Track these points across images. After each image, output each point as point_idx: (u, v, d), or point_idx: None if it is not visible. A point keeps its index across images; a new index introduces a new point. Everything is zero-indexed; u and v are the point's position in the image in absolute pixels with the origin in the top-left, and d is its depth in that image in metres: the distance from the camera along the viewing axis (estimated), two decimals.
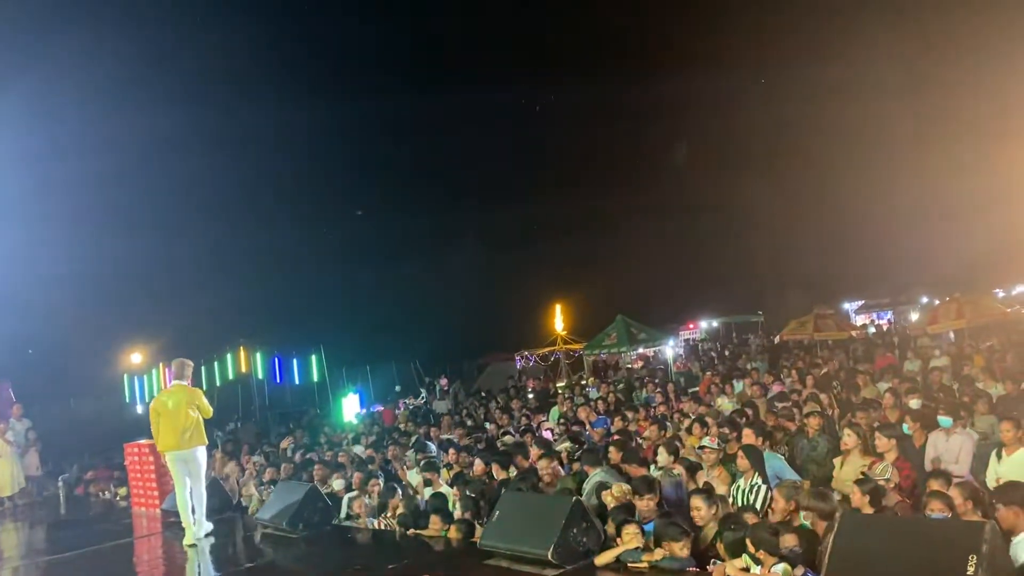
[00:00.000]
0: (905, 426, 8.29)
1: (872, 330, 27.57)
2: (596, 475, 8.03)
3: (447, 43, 40.93)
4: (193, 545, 8.77)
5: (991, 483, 6.96)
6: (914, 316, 28.87)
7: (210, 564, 8.46)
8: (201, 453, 8.92)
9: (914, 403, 9.18)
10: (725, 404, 12.78)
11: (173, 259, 32.26)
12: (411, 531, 7.75)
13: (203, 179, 32.30)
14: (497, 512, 6.70)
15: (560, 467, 8.46)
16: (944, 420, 8.03)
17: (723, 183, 40.25)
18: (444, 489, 8.89)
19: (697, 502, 6.12)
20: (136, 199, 30.02)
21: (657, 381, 17.36)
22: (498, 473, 8.77)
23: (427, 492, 9.05)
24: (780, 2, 38.00)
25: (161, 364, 29.19)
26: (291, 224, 37.21)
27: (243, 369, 29.10)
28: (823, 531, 5.31)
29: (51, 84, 24.86)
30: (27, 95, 22.77)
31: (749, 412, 10.54)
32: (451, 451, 10.80)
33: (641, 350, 24.99)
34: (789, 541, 5.21)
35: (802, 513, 5.55)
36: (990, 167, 28.61)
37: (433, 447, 12.18)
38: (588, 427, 12.07)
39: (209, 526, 9.13)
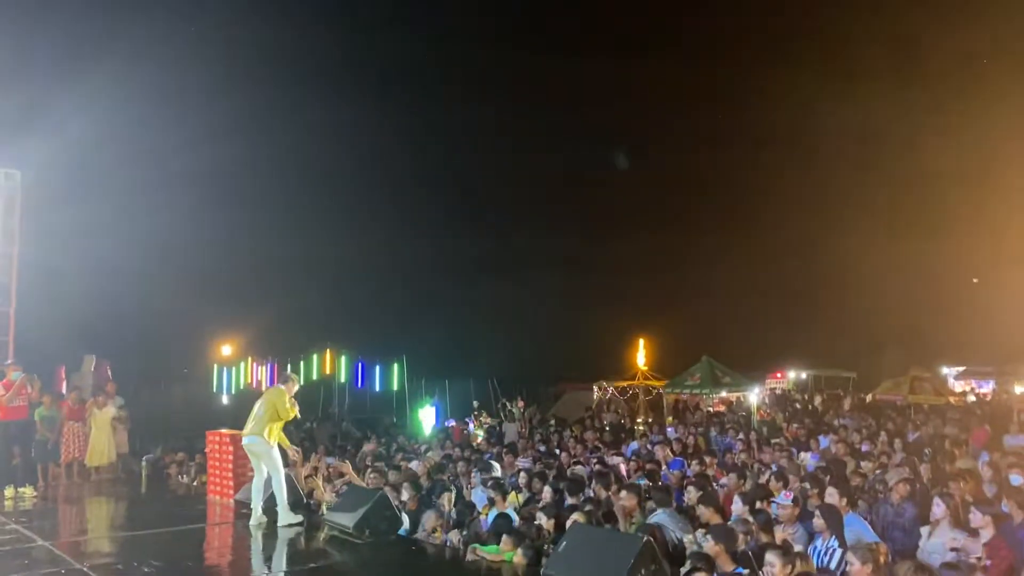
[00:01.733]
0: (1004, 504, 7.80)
1: (972, 398, 26.20)
2: (657, 515, 7.84)
3: (550, 61, 41.24)
4: (254, 526, 9.29)
5: None
6: (1019, 388, 27.34)
7: (272, 559, 8.58)
8: (259, 445, 9.37)
9: (1015, 479, 8.65)
10: (807, 459, 12.34)
11: (271, 259, 33.31)
12: (475, 548, 7.66)
13: (310, 181, 33.28)
14: (564, 542, 6.58)
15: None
16: None
17: (824, 234, 39.24)
18: (509, 511, 8.81)
19: (772, 558, 5.86)
20: (243, 194, 31.09)
21: (739, 427, 16.89)
22: (570, 500, 8.67)
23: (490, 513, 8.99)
24: (879, 49, 36.94)
25: (250, 358, 30.14)
26: (384, 235, 37.97)
27: (327, 371, 29.76)
28: None
29: (160, 62, 25.82)
30: (132, 67, 23.58)
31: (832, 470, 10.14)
32: (522, 475, 10.71)
33: (724, 394, 24.39)
34: None
35: None
36: None
37: (498, 468, 12.05)
38: (665, 467, 11.80)
39: (292, 518, 9.38)
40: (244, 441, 9.55)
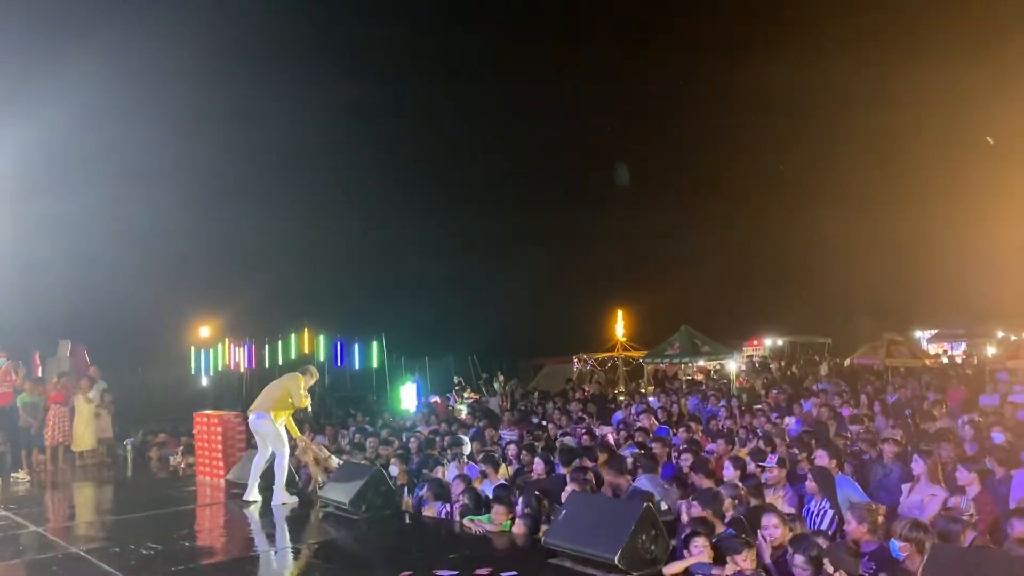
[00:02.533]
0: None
1: (945, 360, 26.73)
2: (639, 481, 7.95)
3: (521, 41, 40.97)
4: (246, 503, 9.48)
5: None
6: (990, 350, 27.94)
7: (270, 536, 8.61)
8: (264, 425, 9.45)
9: (997, 436, 8.86)
10: (791, 424, 12.54)
11: (245, 238, 32.99)
12: (471, 519, 7.72)
13: (285, 158, 32.93)
14: (564, 511, 6.65)
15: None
16: None
17: (798, 202, 39.61)
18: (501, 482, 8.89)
19: (771, 520, 5.96)
20: (216, 173, 30.69)
21: (721, 394, 17.09)
22: (561, 470, 8.76)
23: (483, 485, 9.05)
24: (858, 28, 37.21)
25: (227, 339, 29.90)
26: (360, 213, 37.70)
27: (305, 350, 29.59)
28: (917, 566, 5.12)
29: (132, 41, 25.40)
30: (108, 56, 23.25)
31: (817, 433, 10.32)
32: (511, 448, 10.79)
33: (703, 363, 24.64)
34: None
35: (898, 544, 5.35)
36: None
37: (467, 442, 12.07)
38: (650, 435, 11.92)
39: (287, 497, 9.49)
40: (251, 418, 9.58)
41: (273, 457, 9.56)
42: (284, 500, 9.46)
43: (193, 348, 30.13)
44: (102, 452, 13.89)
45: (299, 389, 9.53)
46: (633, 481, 8.06)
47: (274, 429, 9.44)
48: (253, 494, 9.63)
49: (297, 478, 10.26)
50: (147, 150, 27.19)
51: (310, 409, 10.27)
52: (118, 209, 24.77)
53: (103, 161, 24.25)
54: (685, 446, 9.52)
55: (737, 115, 40.64)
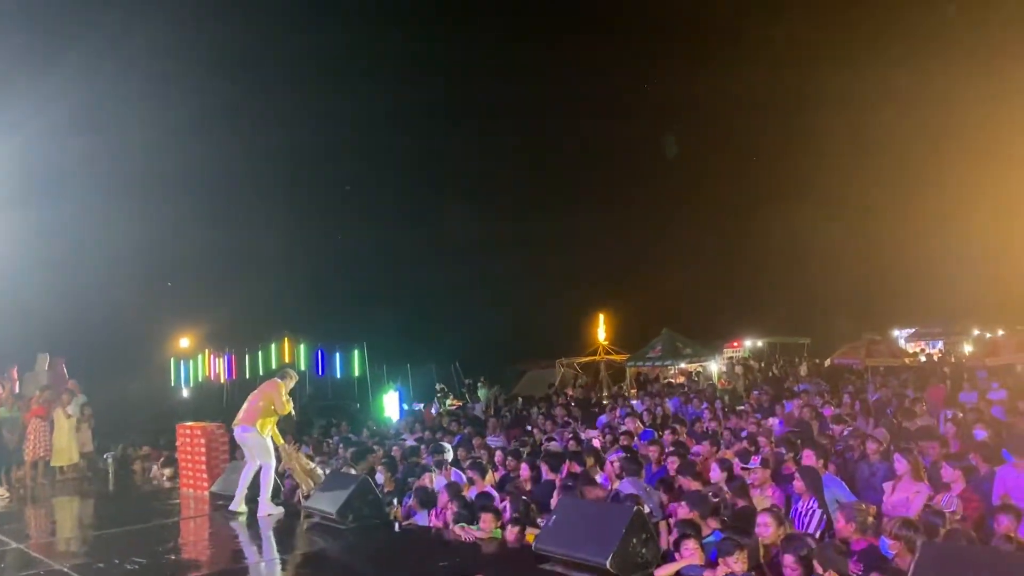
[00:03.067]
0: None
1: (923, 359, 27.01)
2: (622, 484, 7.97)
3: (503, 40, 41.06)
4: (235, 514, 9.40)
5: None
6: (967, 347, 28.26)
7: (258, 547, 8.55)
8: (250, 437, 9.42)
9: (979, 433, 8.95)
10: (774, 425, 12.61)
11: (224, 248, 32.74)
12: (462, 527, 7.70)
13: (262, 167, 32.77)
14: (554, 516, 6.65)
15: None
16: (1007, 454, 7.83)
17: (776, 205, 39.88)
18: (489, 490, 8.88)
19: (766, 519, 5.99)
20: (194, 182, 30.50)
21: (704, 396, 17.15)
22: (548, 475, 8.76)
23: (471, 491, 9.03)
24: (838, 29, 37.62)
25: (207, 350, 29.70)
26: (338, 221, 37.56)
27: (286, 360, 29.43)
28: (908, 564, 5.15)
29: (111, 54, 25.26)
30: (84, 63, 23.17)
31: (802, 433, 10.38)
32: (498, 454, 10.79)
33: (684, 365, 24.75)
34: None
35: (888, 542, 5.40)
36: None
37: (449, 450, 12.06)
38: (636, 439, 11.94)
39: (273, 508, 9.46)
40: (237, 431, 9.54)
41: (260, 468, 9.48)
42: (270, 511, 9.42)
43: (173, 359, 29.92)
44: (83, 466, 13.71)
45: (280, 396, 9.51)
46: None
47: (260, 441, 9.40)
48: (240, 505, 9.56)
49: (282, 487, 10.20)
50: (126, 162, 27.01)
51: (294, 415, 10.12)
52: (96, 221, 24.60)
53: (80, 174, 24.05)
54: (672, 448, 9.53)
55: (716, 118, 40.97)
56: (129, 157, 27.18)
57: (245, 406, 9.63)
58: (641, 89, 40.31)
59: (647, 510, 7.40)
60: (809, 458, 7.90)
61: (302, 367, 29.91)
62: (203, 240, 30.80)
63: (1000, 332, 24.65)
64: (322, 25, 35.32)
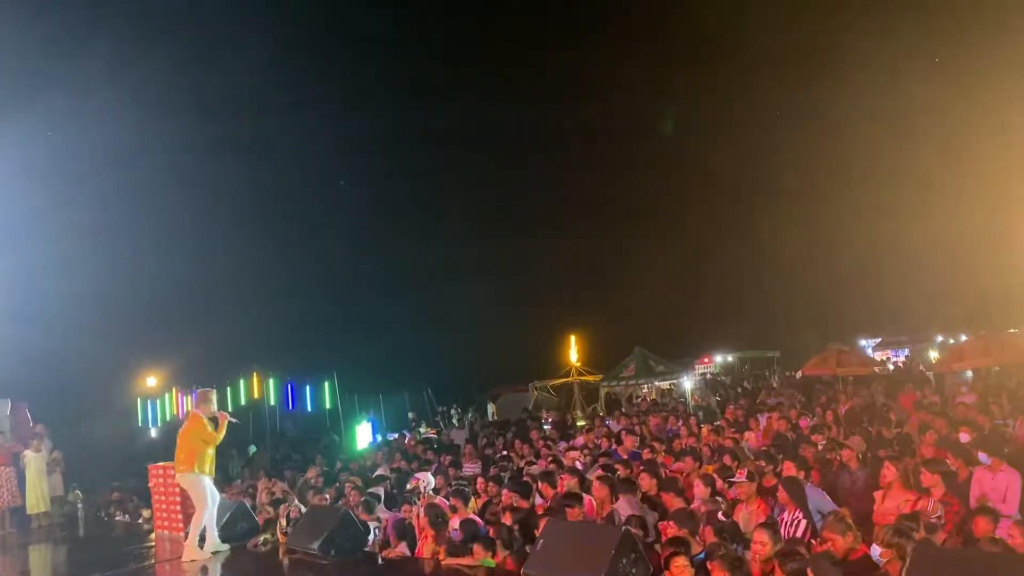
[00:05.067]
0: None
1: (892, 367, 27.38)
2: (617, 504, 7.95)
3: (470, 65, 41.31)
4: (193, 561, 9.07)
5: None
6: (932, 354, 28.72)
7: None
8: (192, 479, 9.23)
9: (964, 437, 9.07)
10: (753, 439, 12.66)
11: (187, 283, 32.35)
12: (452, 560, 7.60)
13: (223, 202, 32.49)
14: (541, 540, 6.59)
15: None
16: (983, 456, 7.94)
17: (739, 220, 40.41)
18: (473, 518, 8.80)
19: (763, 536, 5.98)
20: (155, 220, 30.17)
21: (678, 414, 17.21)
22: (518, 503, 8.72)
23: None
24: (790, 41, 38.35)
25: (175, 388, 29.20)
26: (304, 253, 37.33)
27: (256, 395, 29.07)
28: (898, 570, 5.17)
29: (73, 98, 25.07)
30: (50, 108, 22.97)
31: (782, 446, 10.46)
32: (479, 480, 10.71)
33: (658, 383, 24.84)
34: None
35: (879, 550, 5.42)
36: (1002, 207, 28.75)
37: (431, 480, 11.96)
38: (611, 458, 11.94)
39: (219, 546, 9.35)
40: (179, 477, 9.39)
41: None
42: (217, 549, 9.32)
43: (139, 399, 29.37)
44: (54, 512, 13.37)
45: (205, 428, 9.27)
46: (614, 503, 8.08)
47: (199, 485, 9.21)
48: (215, 544, 9.35)
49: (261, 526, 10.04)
50: (86, 201, 26.59)
51: (220, 438, 9.69)
52: (56, 262, 24.20)
53: (40, 217, 23.66)
54: (643, 467, 9.54)
55: (680, 138, 41.44)
56: (90, 196, 26.83)
57: (179, 450, 9.32)
58: (606, 111, 40.62)
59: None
60: (790, 469, 7.94)
61: (272, 402, 29.61)
62: (168, 276, 30.45)
63: (963, 337, 25.11)
64: (278, 55, 35.21)
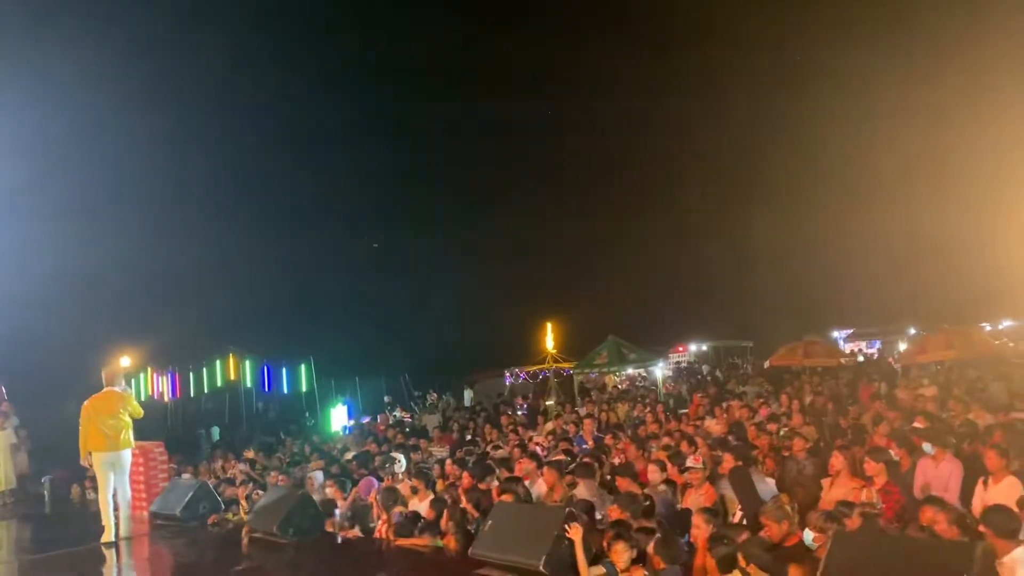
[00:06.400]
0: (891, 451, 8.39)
1: (861, 358, 27.75)
2: (577, 489, 8.13)
3: (448, 58, 41.20)
4: (112, 544, 9.01)
5: (977, 511, 7.04)
6: (902, 346, 29.09)
7: (194, 566, 8.47)
8: (127, 455, 9.35)
9: (919, 426, 9.30)
10: (714, 426, 12.87)
11: (164, 264, 32.20)
12: (404, 540, 7.74)
13: (200, 183, 32.36)
14: (490, 521, 6.73)
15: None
16: (927, 447, 8.15)
17: (718, 210, 40.64)
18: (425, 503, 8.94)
19: (698, 520, 6.15)
20: (131, 201, 29.99)
21: (647, 402, 17.43)
22: (470, 483, 8.90)
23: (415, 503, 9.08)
24: (768, 36, 38.53)
25: (150, 368, 29.15)
26: (284, 234, 37.24)
27: (232, 376, 29.05)
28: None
29: (49, 79, 24.88)
30: (23, 88, 22.79)
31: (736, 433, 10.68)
32: (448, 463, 10.86)
33: (631, 371, 25.04)
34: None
35: (811, 535, 5.60)
36: (980, 207, 29.14)
37: (402, 460, 12.13)
38: (590, 443, 12.15)
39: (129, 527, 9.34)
40: (111, 456, 9.21)
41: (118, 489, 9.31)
42: (130, 530, 9.36)
43: None
44: (19, 491, 13.39)
45: (133, 403, 9.47)
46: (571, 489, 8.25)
47: (126, 461, 9.30)
48: (111, 529, 9.23)
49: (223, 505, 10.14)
50: (62, 181, 26.42)
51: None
52: (31, 241, 24.06)
53: (14, 196, 23.47)
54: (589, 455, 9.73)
55: (661, 129, 41.61)
56: (65, 176, 26.64)
57: (113, 429, 9.24)
58: (587, 102, 40.74)
59: (600, 515, 7.53)
60: (729, 461, 8.14)
61: (248, 383, 29.60)
62: (144, 255, 30.28)
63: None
64: (252, 38, 35.02)
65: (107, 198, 28.87)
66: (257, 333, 31.60)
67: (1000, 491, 7.12)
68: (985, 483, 7.37)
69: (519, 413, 19.87)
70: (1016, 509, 5.95)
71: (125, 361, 27.80)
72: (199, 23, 32.43)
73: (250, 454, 14.97)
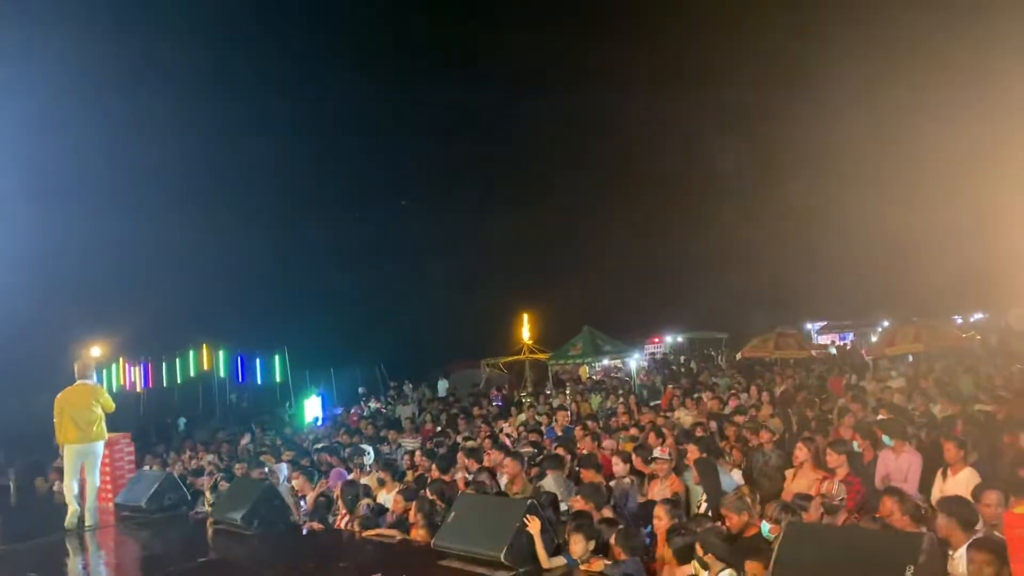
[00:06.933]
0: (855, 443, 8.50)
1: (833, 350, 28.03)
2: (544, 480, 8.17)
3: (428, 47, 41.05)
4: (75, 530, 9.11)
5: (936, 501, 7.14)
6: (875, 338, 29.42)
7: (159, 558, 8.42)
8: (100, 447, 9.54)
9: (883, 417, 9.42)
10: (684, 417, 12.96)
11: (137, 252, 31.81)
12: (370, 531, 7.74)
13: (172, 170, 31.99)
14: (453, 513, 6.74)
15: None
16: (886, 439, 8.26)
17: (692, 202, 40.79)
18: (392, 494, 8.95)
19: (659, 511, 6.19)
20: (102, 187, 29.58)
21: (621, 392, 17.52)
22: (438, 475, 8.92)
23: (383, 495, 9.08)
24: (759, 28, 38.68)
25: (122, 359, 28.87)
26: (257, 223, 36.88)
27: (205, 367, 28.88)
28: None
29: (9, 61, 24.47)
30: (11, 66, 22.43)
31: (710, 425, 10.75)
32: (417, 454, 10.87)
33: (606, 362, 25.12)
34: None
35: (768, 526, 5.65)
36: (954, 201, 29.46)
37: (371, 452, 12.19)
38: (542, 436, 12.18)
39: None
40: (83, 448, 9.35)
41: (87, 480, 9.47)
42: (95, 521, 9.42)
43: None
44: None
45: (105, 396, 9.61)
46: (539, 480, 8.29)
47: (98, 452, 9.49)
48: (74, 513, 9.37)
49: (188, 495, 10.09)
50: (27, 163, 26.02)
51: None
52: None
53: None
54: (560, 444, 9.78)
55: (637, 121, 41.66)
56: (33, 160, 26.25)
57: (85, 421, 9.36)
58: (562, 93, 40.65)
59: (564, 507, 7.57)
60: (693, 452, 8.20)
61: (222, 374, 29.44)
62: (115, 244, 29.92)
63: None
64: (226, 25, 34.58)
65: (78, 185, 28.48)
66: (231, 323, 31.35)
67: (958, 483, 7.23)
68: (944, 474, 7.49)
69: (495, 404, 19.91)
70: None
71: (96, 351, 27.58)
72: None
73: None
